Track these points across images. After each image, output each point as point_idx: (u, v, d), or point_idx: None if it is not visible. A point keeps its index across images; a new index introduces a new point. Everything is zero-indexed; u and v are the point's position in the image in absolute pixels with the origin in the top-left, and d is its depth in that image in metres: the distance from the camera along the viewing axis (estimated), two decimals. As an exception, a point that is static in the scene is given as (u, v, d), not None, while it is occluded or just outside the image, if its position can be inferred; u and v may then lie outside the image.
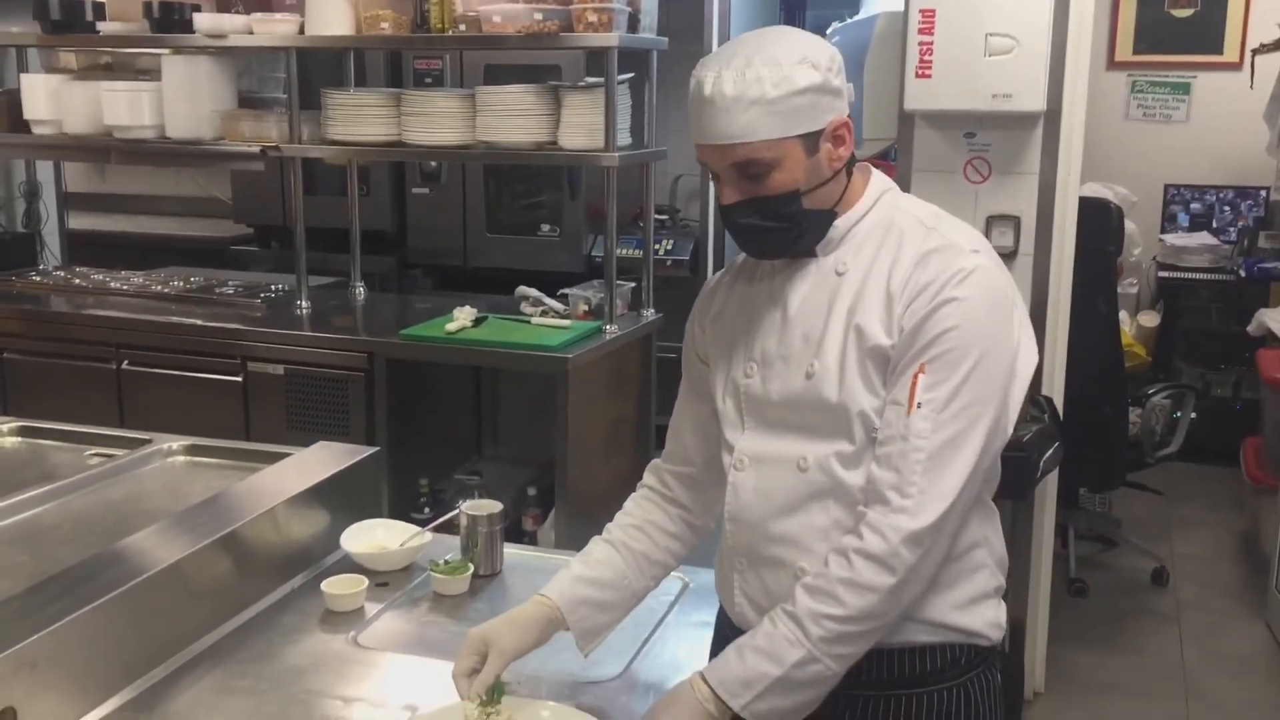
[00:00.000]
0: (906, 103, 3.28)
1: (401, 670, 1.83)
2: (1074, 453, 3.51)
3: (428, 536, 2.20)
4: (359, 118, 3.88)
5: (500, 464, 4.39)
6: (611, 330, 3.73)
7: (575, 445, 3.59)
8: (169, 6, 4.04)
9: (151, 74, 4.28)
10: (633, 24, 3.69)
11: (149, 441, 2.54)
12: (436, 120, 3.79)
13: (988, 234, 3.27)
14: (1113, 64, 6.12)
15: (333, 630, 1.92)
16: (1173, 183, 6.05)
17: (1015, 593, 3.53)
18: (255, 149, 4.03)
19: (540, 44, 3.69)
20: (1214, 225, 6.01)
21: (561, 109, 3.67)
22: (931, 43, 3.18)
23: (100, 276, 4.61)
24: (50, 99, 4.29)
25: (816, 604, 1.46)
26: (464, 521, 2.15)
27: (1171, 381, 4.95)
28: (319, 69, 4.65)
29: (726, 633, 1.72)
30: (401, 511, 3.29)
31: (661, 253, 5.18)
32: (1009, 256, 3.32)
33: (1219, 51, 5.96)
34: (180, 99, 4.11)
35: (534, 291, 3.94)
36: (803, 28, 2.24)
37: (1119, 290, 4.79)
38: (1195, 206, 6.05)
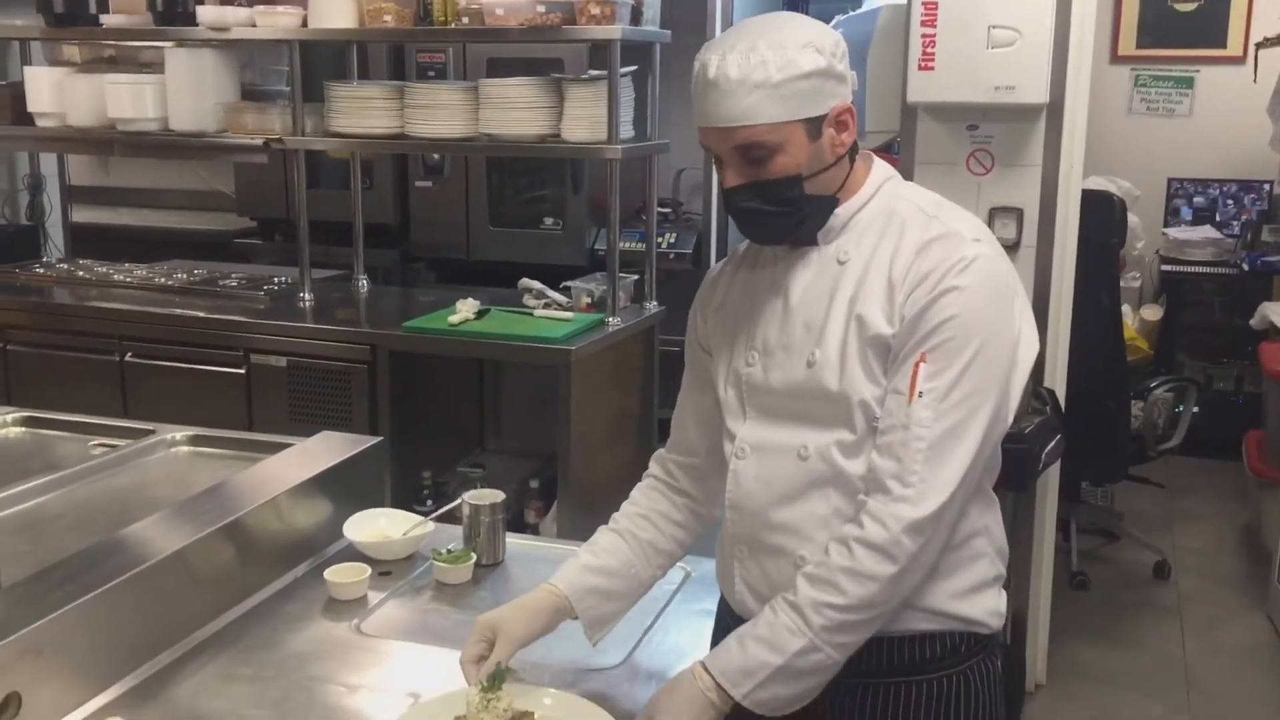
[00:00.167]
0: (909, 95, 3.28)
1: (404, 657, 1.84)
2: (1076, 446, 3.51)
3: (430, 526, 2.20)
4: (362, 110, 3.88)
5: (503, 456, 4.40)
6: (614, 323, 3.74)
7: (577, 438, 3.59)
8: (172, 0, 4.05)
9: (155, 67, 4.28)
10: (635, 17, 3.69)
11: (152, 432, 2.54)
12: (439, 113, 3.79)
13: (990, 226, 3.26)
14: (1116, 58, 6.11)
15: (336, 618, 1.93)
16: (1176, 176, 6.05)
17: (1016, 585, 3.53)
18: (258, 141, 4.03)
19: (543, 37, 3.69)
20: (1217, 219, 6.01)
21: (564, 102, 3.68)
22: (934, 35, 3.18)
23: (104, 269, 4.63)
24: (54, 92, 4.30)
25: (818, 593, 1.47)
26: (466, 511, 2.15)
27: (1174, 375, 4.95)
28: (322, 62, 4.65)
29: (728, 621, 1.72)
30: (404, 504, 3.28)
31: (664, 246, 5.18)
32: (1011, 248, 3.32)
33: (1222, 45, 5.95)
34: (183, 92, 4.12)
35: (537, 284, 3.95)
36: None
37: (1122, 284, 4.79)
38: (1198, 200, 6.05)
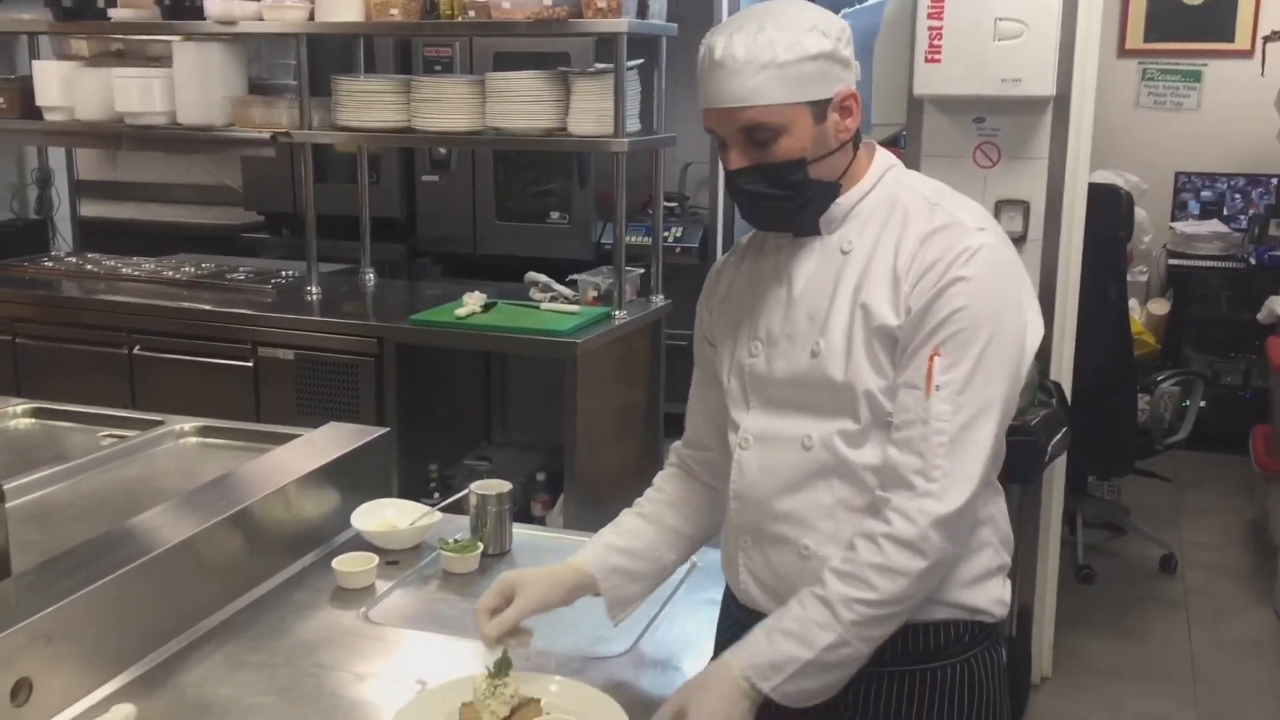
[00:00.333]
0: (915, 88, 3.28)
1: (412, 645, 1.85)
2: (1083, 440, 3.51)
3: (437, 516, 2.21)
4: (369, 104, 3.90)
5: (509, 449, 4.41)
6: (620, 316, 3.74)
7: (584, 430, 3.60)
8: (180, -7, 4.06)
9: (163, 61, 4.30)
10: (642, 10, 3.69)
11: (161, 423, 2.55)
12: (446, 106, 3.80)
13: (997, 219, 3.25)
14: (1123, 52, 6.10)
15: (344, 606, 1.94)
16: (1183, 170, 6.03)
17: (1022, 578, 3.54)
18: (266, 135, 4.05)
19: (549, 30, 3.70)
20: (1225, 213, 5.99)
21: (571, 95, 3.68)
22: (941, 28, 3.18)
23: (112, 262, 4.64)
24: (62, 86, 4.32)
25: (848, 588, 1.47)
26: (473, 501, 2.16)
27: (1181, 369, 4.94)
28: (329, 56, 4.67)
29: (733, 611, 1.73)
30: (411, 497, 3.26)
31: (670, 240, 5.19)
32: (1018, 241, 3.32)
33: (1230, 39, 5.93)
34: (191, 86, 4.14)
35: (543, 277, 3.95)
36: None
37: (1129, 278, 4.79)
38: (1206, 194, 6.04)
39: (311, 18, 3.91)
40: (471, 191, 5.33)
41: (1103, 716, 3.58)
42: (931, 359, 1.47)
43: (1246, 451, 4.91)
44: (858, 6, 3.87)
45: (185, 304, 4.08)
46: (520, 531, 2.25)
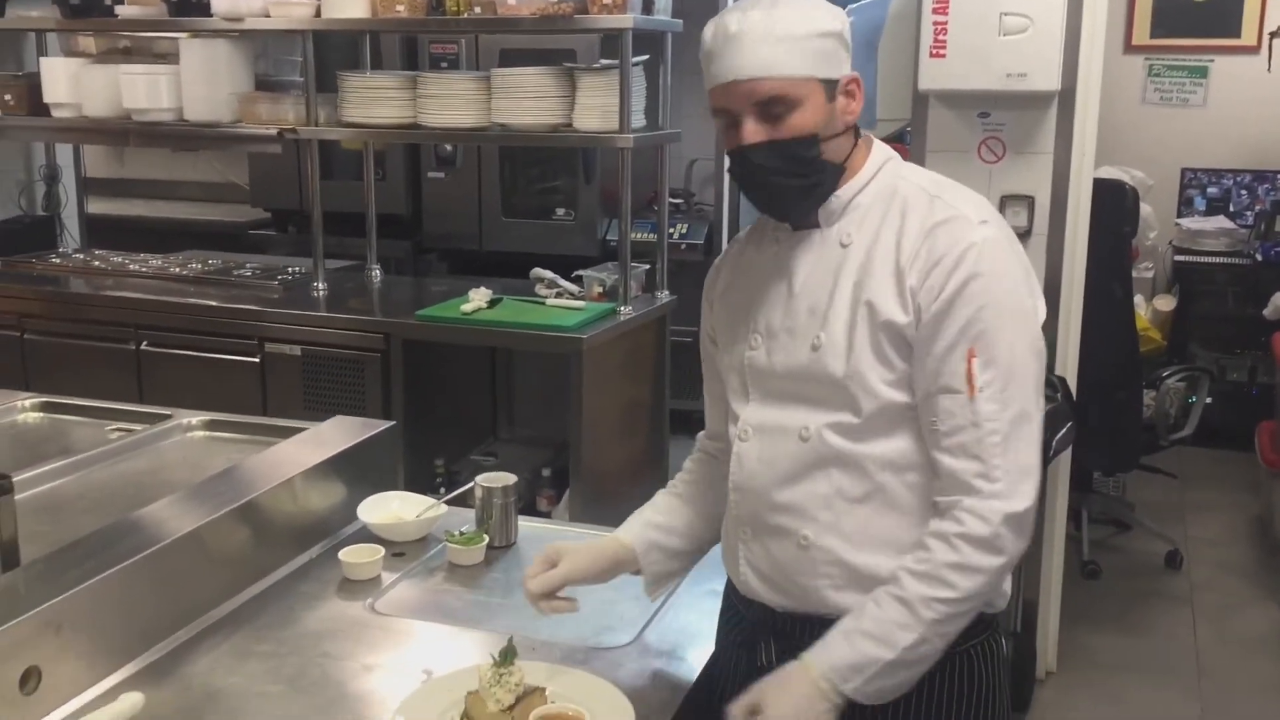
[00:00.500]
0: (921, 83, 3.28)
1: (418, 636, 1.86)
2: (1088, 435, 3.51)
3: (443, 508, 2.22)
4: (375, 100, 3.90)
5: (515, 445, 4.42)
6: (626, 311, 3.75)
7: (589, 426, 3.61)
8: (187, -10, 4.07)
9: (169, 57, 4.31)
10: (647, 6, 3.70)
11: (168, 416, 2.57)
12: (452, 102, 3.81)
13: (1002, 213, 3.26)
14: (1130, 47, 6.09)
15: (350, 598, 1.95)
16: (1190, 166, 6.03)
17: (1028, 574, 3.54)
18: (272, 131, 4.06)
19: (555, 26, 3.71)
20: (1231, 209, 5.99)
21: (576, 91, 3.69)
22: (946, 22, 3.18)
23: (119, 259, 4.66)
24: (69, 82, 4.33)
25: (927, 588, 1.48)
26: (479, 493, 2.17)
27: (1186, 365, 4.94)
28: (335, 52, 4.68)
29: (733, 601, 1.74)
30: (417, 491, 3.31)
31: (676, 236, 5.19)
32: (1023, 236, 3.32)
33: (1236, 35, 5.93)
34: (198, 82, 4.14)
35: (549, 273, 3.96)
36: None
37: (1135, 274, 4.78)
38: (1212, 190, 6.03)
39: (318, 14, 3.92)
40: (477, 188, 5.34)
41: (1108, 711, 3.58)
42: (969, 360, 1.48)
43: (1252, 448, 4.90)
44: (864, 1, 3.86)
45: (192, 300, 4.09)
46: (526, 524, 2.27)
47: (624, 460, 3.89)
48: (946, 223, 1.52)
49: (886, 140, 1.68)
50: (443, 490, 3.74)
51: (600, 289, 3.86)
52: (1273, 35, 5.46)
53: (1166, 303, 5.55)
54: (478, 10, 3.72)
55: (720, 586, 1.84)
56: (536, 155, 5.29)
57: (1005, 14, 3.13)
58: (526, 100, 3.70)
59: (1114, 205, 4.05)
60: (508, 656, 1.56)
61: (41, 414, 2.70)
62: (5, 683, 1.50)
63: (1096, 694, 3.65)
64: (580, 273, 3.95)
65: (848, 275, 1.56)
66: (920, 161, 3.37)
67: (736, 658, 1.72)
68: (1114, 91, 5.44)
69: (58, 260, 4.70)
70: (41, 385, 3.59)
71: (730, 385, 1.69)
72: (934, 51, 3.21)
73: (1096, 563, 4.43)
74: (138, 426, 2.53)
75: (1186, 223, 5.90)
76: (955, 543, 1.48)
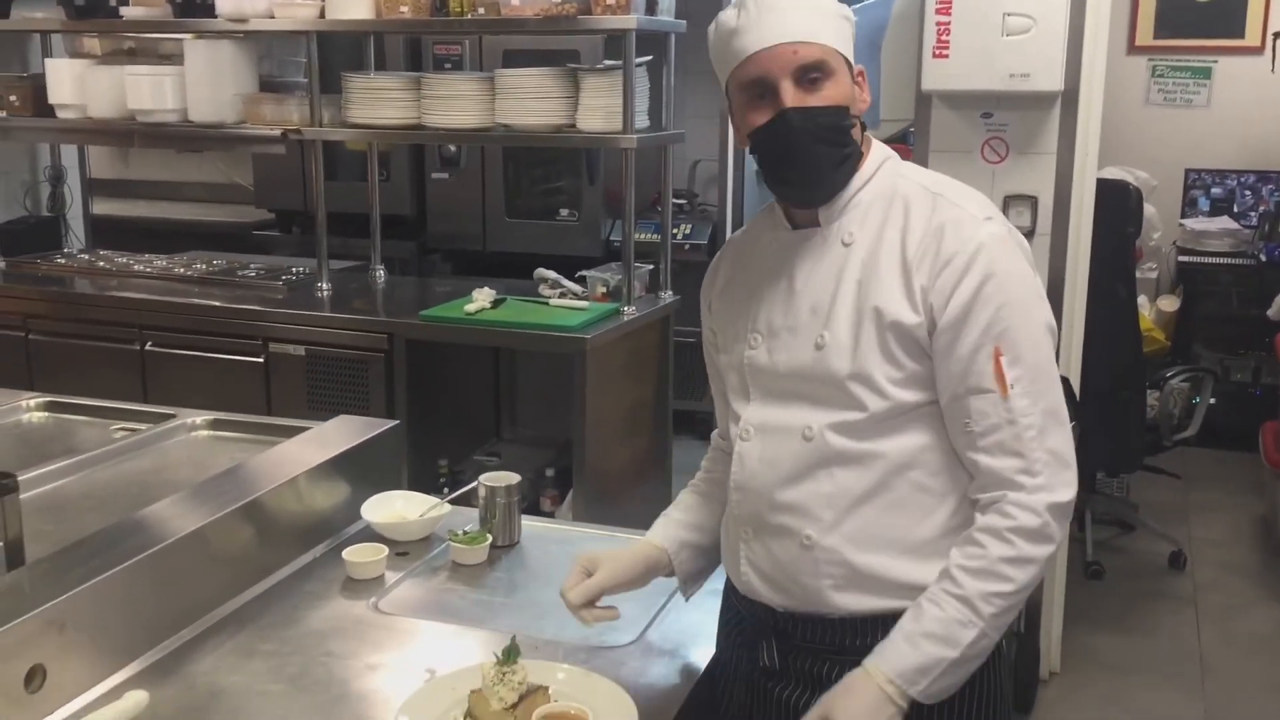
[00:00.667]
0: (924, 83, 3.28)
1: (421, 635, 1.86)
2: (1092, 436, 3.50)
3: (447, 507, 2.23)
4: (379, 101, 3.91)
5: (518, 445, 4.43)
6: (629, 312, 3.75)
7: (593, 426, 3.61)
8: (191, -9, 4.09)
9: (174, 58, 4.32)
10: (651, 7, 3.70)
11: (173, 416, 2.57)
12: (455, 103, 3.82)
13: (1005, 213, 3.26)
14: (1133, 48, 6.09)
15: (354, 597, 1.95)
16: (1193, 167, 6.02)
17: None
18: (276, 132, 4.07)
19: (558, 27, 3.71)
20: (1235, 210, 5.99)
21: (580, 92, 3.69)
22: (949, 23, 3.18)
23: (124, 259, 4.67)
24: (74, 84, 4.34)
25: (985, 584, 1.49)
26: (482, 492, 2.18)
27: (1190, 365, 4.94)
28: (339, 53, 4.69)
29: (733, 601, 1.75)
30: (421, 492, 3.32)
31: (679, 237, 5.20)
32: (1026, 236, 3.31)
33: (1240, 35, 5.92)
34: (202, 83, 4.15)
35: (552, 274, 3.96)
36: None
37: (1139, 274, 4.79)
38: (1216, 191, 6.03)
39: (322, 15, 3.93)
40: (481, 189, 5.35)
41: (1111, 712, 3.58)
42: (997, 360, 1.49)
43: (1256, 448, 4.89)
44: (867, 1, 3.87)
45: (196, 300, 4.10)
46: (529, 524, 2.27)
47: (627, 460, 3.89)
48: (953, 221, 1.53)
49: (889, 140, 1.69)
50: (446, 490, 3.75)
51: (604, 289, 3.86)
52: (1276, 36, 5.46)
53: (1170, 303, 5.55)
54: (481, 11, 3.72)
55: (722, 586, 1.84)
56: (540, 156, 5.30)
57: (1008, 14, 3.13)
58: (530, 101, 3.71)
59: (1117, 206, 4.05)
60: (511, 655, 1.56)
61: (46, 414, 2.70)
62: (10, 681, 1.51)
63: (1100, 695, 3.65)
64: (584, 273, 3.95)
65: (851, 274, 1.56)
66: (923, 162, 3.37)
67: (737, 658, 1.73)
68: (1118, 92, 5.45)
69: (62, 261, 4.71)
70: (46, 385, 3.60)
71: (730, 384, 1.70)
72: (937, 52, 3.21)
73: (1100, 563, 4.43)
74: (142, 426, 2.54)
75: (1190, 223, 5.90)
76: (1009, 536, 1.50)
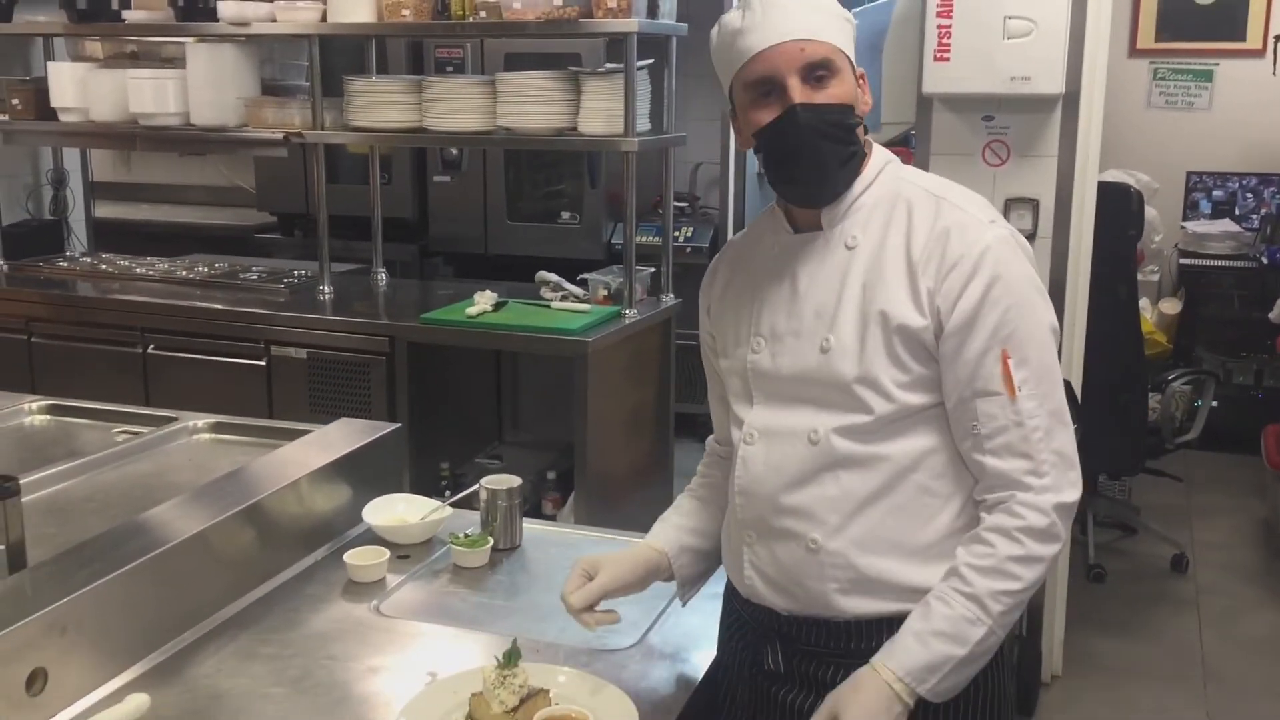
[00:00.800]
0: (925, 86, 3.29)
1: (422, 638, 1.86)
2: (1093, 439, 3.49)
3: (448, 510, 2.23)
4: (381, 104, 3.92)
5: (520, 448, 4.43)
6: (631, 315, 3.75)
7: (595, 429, 3.61)
8: (193, -5, 4.09)
9: (176, 62, 4.33)
10: (652, 10, 3.71)
11: (175, 419, 2.58)
12: (457, 106, 3.82)
13: (1006, 216, 3.27)
14: (1134, 51, 6.10)
15: (355, 599, 1.96)
16: (1195, 170, 6.03)
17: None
18: (278, 135, 4.07)
19: (560, 30, 3.72)
20: (1236, 212, 5.99)
21: (581, 95, 3.70)
22: (950, 26, 3.19)
23: (126, 262, 4.68)
24: (77, 87, 4.35)
25: (994, 582, 1.50)
26: (484, 495, 2.18)
27: (1192, 368, 4.94)
28: (341, 57, 4.69)
29: (734, 605, 1.75)
30: (422, 495, 3.32)
31: (681, 239, 5.21)
32: (1027, 239, 3.31)
33: (1242, 38, 5.93)
34: (205, 87, 4.16)
35: (554, 276, 3.97)
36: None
37: (1140, 277, 4.78)
38: (1218, 194, 6.03)
39: (324, 19, 3.93)
40: (483, 192, 5.36)
41: (1113, 715, 3.58)
42: (1005, 363, 1.50)
43: (1258, 451, 4.89)
44: (868, 5, 3.87)
45: (199, 303, 4.11)
46: (530, 526, 2.27)
47: (629, 463, 3.89)
48: (957, 224, 1.53)
49: (890, 143, 1.69)
50: (448, 493, 3.75)
51: (605, 292, 3.87)
52: (1278, 38, 5.45)
53: (1172, 306, 5.55)
54: (483, 14, 3.73)
55: (722, 589, 1.84)
56: (542, 159, 5.31)
57: (1009, 17, 3.14)
58: (531, 104, 3.71)
59: (1119, 208, 4.05)
60: (512, 658, 1.56)
61: (48, 417, 2.70)
62: (12, 684, 1.51)
63: (1102, 698, 3.65)
64: (585, 276, 3.96)
65: (855, 277, 1.56)
66: (925, 165, 3.37)
67: (740, 662, 1.73)
68: (1119, 95, 5.46)
69: (65, 264, 4.72)
70: (48, 388, 3.62)
71: (731, 388, 1.69)
72: (938, 55, 3.21)
73: (1102, 566, 4.42)
74: (144, 429, 2.54)
75: (1192, 226, 5.90)
76: (1017, 536, 1.51)
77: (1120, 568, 4.51)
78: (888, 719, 1.49)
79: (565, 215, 5.28)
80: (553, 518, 3.94)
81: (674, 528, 1.80)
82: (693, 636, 1.84)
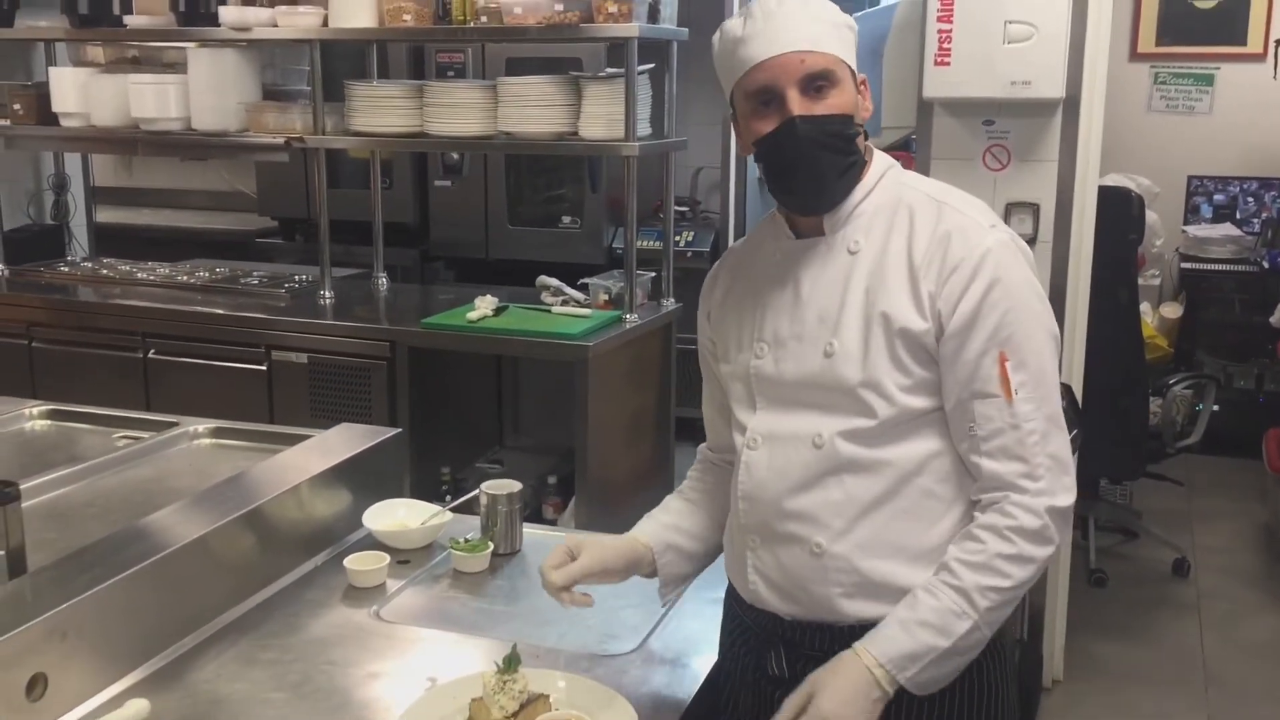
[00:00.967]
0: (925, 91, 3.29)
1: (422, 643, 1.86)
2: (1094, 443, 3.50)
3: (448, 515, 2.23)
4: (382, 109, 3.92)
5: (521, 453, 4.42)
6: (631, 319, 3.75)
7: (595, 433, 3.61)
8: (195, 0, 4.09)
9: (178, 67, 4.33)
10: (653, 15, 3.71)
11: (175, 424, 2.58)
12: (458, 111, 3.82)
13: (1007, 221, 3.26)
14: (1135, 55, 6.10)
15: (355, 605, 1.96)
16: (1196, 174, 6.03)
17: (1035, 582, 3.53)
18: (280, 140, 4.07)
19: (561, 35, 3.72)
20: (1237, 216, 5.99)
21: (582, 99, 3.70)
22: (950, 31, 3.19)
23: (127, 267, 4.68)
24: (78, 92, 4.35)
25: (982, 578, 1.51)
26: (484, 500, 2.18)
27: (1193, 372, 4.93)
28: (342, 62, 4.70)
29: (736, 611, 1.74)
30: (423, 499, 3.31)
31: (682, 244, 5.20)
32: (1028, 243, 3.31)
33: (1242, 42, 5.93)
34: (206, 92, 4.16)
35: (554, 281, 3.97)
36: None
37: (1141, 281, 4.78)
38: (1218, 198, 6.03)
39: (325, 24, 3.93)
40: (484, 196, 5.36)
41: (1115, 720, 3.58)
42: (1002, 365, 1.50)
43: (1259, 455, 4.89)
44: (869, 10, 3.88)
45: (199, 308, 4.11)
46: (530, 531, 2.27)
47: (630, 468, 3.89)
48: (958, 228, 1.54)
49: (891, 148, 1.70)
50: (448, 498, 3.77)
51: (606, 297, 3.87)
52: (1278, 43, 5.45)
53: (1173, 310, 5.55)
54: (484, 19, 3.73)
55: (722, 594, 1.84)
56: (543, 163, 5.31)
57: (1010, 22, 3.14)
58: (532, 109, 3.71)
59: (1120, 213, 4.05)
60: (511, 664, 1.56)
61: (49, 422, 2.71)
62: (12, 689, 1.51)
63: (1103, 702, 3.64)
64: (586, 281, 3.96)
65: (858, 282, 1.57)
66: (925, 169, 3.37)
67: (743, 667, 1.72)
68: (1120, 99, 5.46)
69: (66, 269, 4.73)
70: (49, 393, 3.61)
71: (734, 394, 1.69)
72: (939, 59, 3.21)
73: (1103, 571, 4.42)
74: (145, 434, 2.54)
75: (1193, 230, 5.90)
76: (1008, 535, 1.51)
77: (1121, 572, 4.51)
78: (865, 704, 1.49)
79: (566, 220, 5.28)
80: (553, 522, 3.94)
81: (661, 525, 1.79)
82: (693, 641, 1.84)
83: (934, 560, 1.56)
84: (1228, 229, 5.87)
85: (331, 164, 4.38)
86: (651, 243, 4.82)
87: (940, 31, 3.19)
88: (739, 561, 1.70)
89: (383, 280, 4.46)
